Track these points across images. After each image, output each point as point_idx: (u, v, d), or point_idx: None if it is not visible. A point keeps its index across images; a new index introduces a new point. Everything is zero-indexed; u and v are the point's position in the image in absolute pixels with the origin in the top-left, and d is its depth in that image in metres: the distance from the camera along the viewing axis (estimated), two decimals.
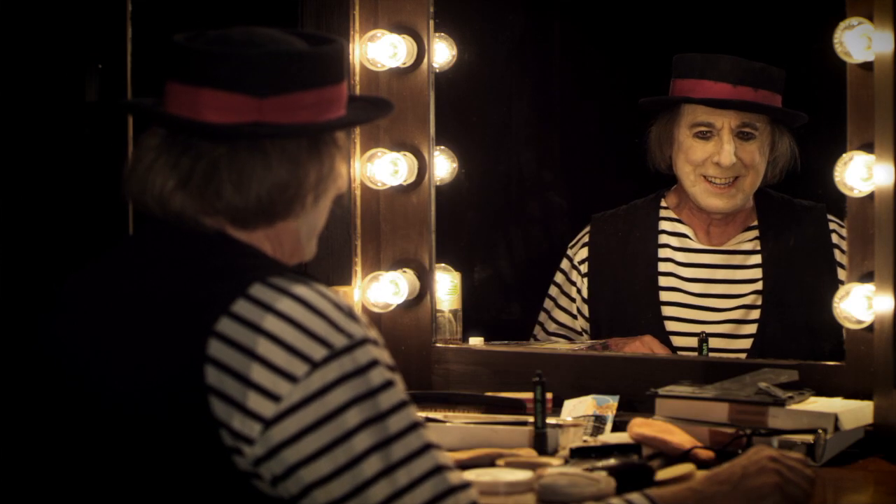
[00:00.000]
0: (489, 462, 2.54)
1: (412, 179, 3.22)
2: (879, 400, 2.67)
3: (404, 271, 3.22)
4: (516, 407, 2.84)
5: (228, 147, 1.92)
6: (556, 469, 2.44)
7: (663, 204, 3.33)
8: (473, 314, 3.33)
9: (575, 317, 3.34)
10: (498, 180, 3.67)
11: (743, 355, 3.16)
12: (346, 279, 3.21)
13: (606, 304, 3.30)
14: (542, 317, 3.38)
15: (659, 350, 3.16)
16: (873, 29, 2.69)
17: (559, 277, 3.37)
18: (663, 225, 3.31)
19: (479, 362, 3.18)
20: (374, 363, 1.85)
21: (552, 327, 3.36)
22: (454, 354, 3.21)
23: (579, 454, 2.54)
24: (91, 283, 1.99)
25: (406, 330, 3.24)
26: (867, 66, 2.73)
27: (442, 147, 3.31)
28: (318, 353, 1.82)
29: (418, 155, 3.22)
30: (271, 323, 1.83)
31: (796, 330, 3.16)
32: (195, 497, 1.86)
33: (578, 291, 3.34)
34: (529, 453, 2.59)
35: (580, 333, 3.32)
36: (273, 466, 1.82)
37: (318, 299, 1.86)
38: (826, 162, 2.82)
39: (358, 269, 3.24)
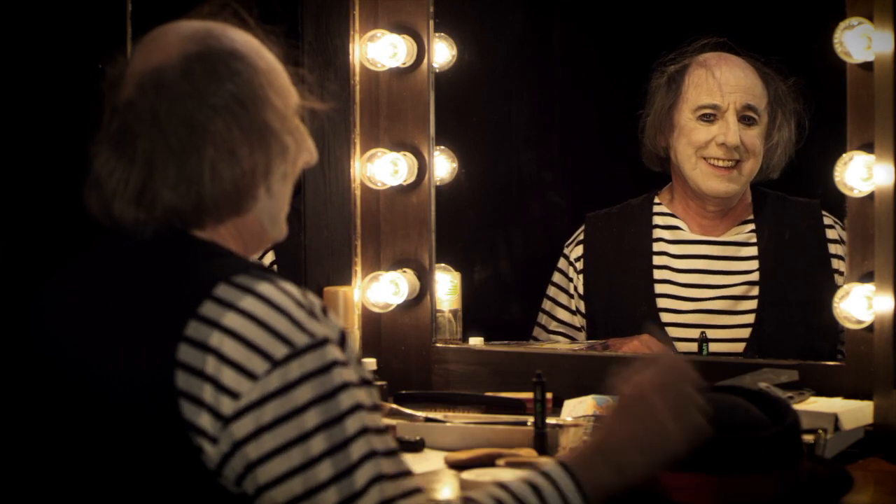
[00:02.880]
0: (489, 462, 2.54)
1: (412, 179, 3.22)
2: (879, 400, 2.67)
3: (404, 271, 3.22)
4: (516, 407, 2.84)
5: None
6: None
7: (656, 200, 3.33)
8: (473, 314, 3.33)
9: (574, 313, 3.34)
10: (498, 180, 3.66)
11: (741, 346, 3.16)
12: (346, 279, 3.21)
13: (602, 299, 3.31)
14: (542, 317, 3.38)
15: (658, 349, 3.16)
16: (873, 29, 2.69)
17: (557, 277, 3.38)
18: (657, 220, 3.31)
19: (479, 362, 3.18)
20: (333, 364, 1.84)
21: (553, 325, 3.36)
22: (454, 354, 3.21)
23: None
24: (67, 286, 2.00)
25: (406, 330, 3.24)
26: (867, 66, 2.73)
27: (442, 147, 3.31)
28: (279, 351, 1.82)
29: (418, 155, 3.22)
30: (233, 320, 1.83)
31: (792, 319, 3.17)
32: (167, 496, 1.86)
33: (575, 288, 3.34)
34: (529, 453, 2.59)
35: (580, 330, 3.32)
36: (235, 464, 1.82)
37: (282, 297, 1.85)
38: (826, 162, 2.82)
39: (358, 269, 3.24)
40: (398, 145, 3.23)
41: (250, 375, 1.81)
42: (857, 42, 2.74)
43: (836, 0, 2.80)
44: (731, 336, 3.18)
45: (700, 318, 3.20)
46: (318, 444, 1.81)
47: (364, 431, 1.84)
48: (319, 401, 1.82)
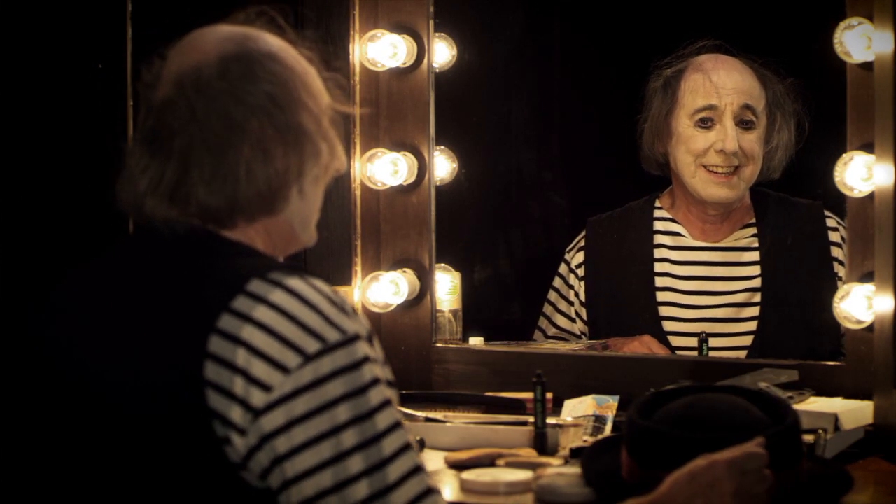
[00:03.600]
0: (489, 462, 2.55)
1: (412, 179, 3.22)
2: (879, 400, 2.67)
3: (404, 271, 3.22)
4: (516, 407, 2.84)
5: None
6: (555, 469, 2.44)
7: (657, 204, 3.32)
8: (473, 314, 3.33)
9: (574, 320, 3.33)
10: (498, 180, 3.66)
11: (743, 353, 3.16)
12: (346, 279, 3.21)
13: (604, 306, 3.30)
14: (543, 322, 3.37)
15: (658, 350, 3.16)
16: (873, 29, 2.69)
17: (557, 282, 3.37)
18: (658, 225, 3.30)
19: (479, 362, 3.18)
20: (365, 360, 1.87)
21: (552, 332, 3.35)
22: (454, 354, 3.21)
23: (579, 454, 2.54)
24: (88, 285, 2.01)
25: (406, 330, 3.24)
26: (867, 66, 2.73)
27: (442, 147, 3.31)
28: (311, 346, 1.84)
29: (418, 155, 3.22)
30: (265, 314, 1.85)
31: (795, 326, 3.16)
32: (187, 489, 1.87)
33: (576, 295, 3.33)
34: (529, 453, 2.59)
35: (579, 337, 3.31)
36: (261, 458, 1.84)
37: (312, 293, 1.88)
38: (826, 162, 2.82)
39: (358, 269, 3.24)
40: (398, 145, 3.23)
41: (283, 369, 1.83)
42: (857, 42, 2.74)
43: (836, 0, 2.80)
44: (733, 344, 3.17)
45: (702, 325, 3.19)
46: (349, 438, 1.83)
47: (396, 426, 1.87)
48: (350, 396, 1.84)
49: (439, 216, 3.25)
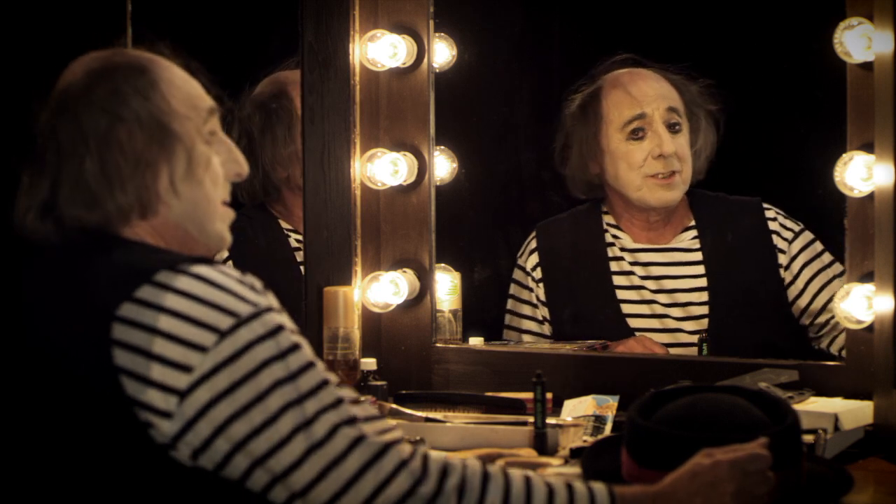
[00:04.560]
0: (489, 462, 2.54)
1: (412, 179, 3.22)
2: (879, 400, 2.67)
3: (404, 271, 3.22)
4: (516, 407, 2.84)
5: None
6: (555, 469, 2.44)
7: (604, 209, 3.32)
8: (473, 314, 3.33)
9: (542, 322, 3.32)
10: (498, 180, 3.66)
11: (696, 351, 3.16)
12: (346, 279, 3.21)
13: (566, 305, 3.30)
14: (509, 334, 3.36)
15: (655, 348, 3.16)
16: (873, 29, 2.69)
17: (514, 288, 3.36)
18: (607, 228, 3.30)
19: (479, 362, 3.18)
20: (280, 328, 1.91)
21: (525, 338, 3.34)
22: (454, 354, 3.21)
23: (579, 454, 2.54)
24: (32, 277, 2.06)
25: (406, 330, 3.24)
26: (867, 66, 2.73)
27: (442, 147, 3.31)
28: (224, 322, 1.89)
29: (418, 155, 3.22)
30: (173, 300, 1.90)
31: (746, 322, 3.17)
32: (119, 474, 1.91)
33: (538, 297, 3.33)
34: (529, 453, 2.59)
35: (549, 338, 3.31)
36: (192, 439, 1.87)
37: (219, 276, 1.93)
38: (826, 162, 2.81)
39: (358, 269, 3.24)
40: (398, 145, 3.23)
41: (200, 348, 1.87)
42: (857, 42, 2.74)
43: (836, 0, 2.80)
44: (690, 341, 3.18)
45: (662, 323, 3.20)
46: (275, 400, 1.87)
47: (322, 385, 1.90)
48: (271, 361, 1.88)
49: (439, 216, 3.25)
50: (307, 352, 1.93)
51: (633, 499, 2.00)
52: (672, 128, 3.21)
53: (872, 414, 2.67)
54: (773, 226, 3.19)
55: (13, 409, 1.99)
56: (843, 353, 2.86)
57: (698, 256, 3.24)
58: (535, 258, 3.34)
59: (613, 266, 3.27)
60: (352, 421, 1.90)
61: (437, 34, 3.27)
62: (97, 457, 1.91)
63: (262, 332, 1.89)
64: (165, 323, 1.88)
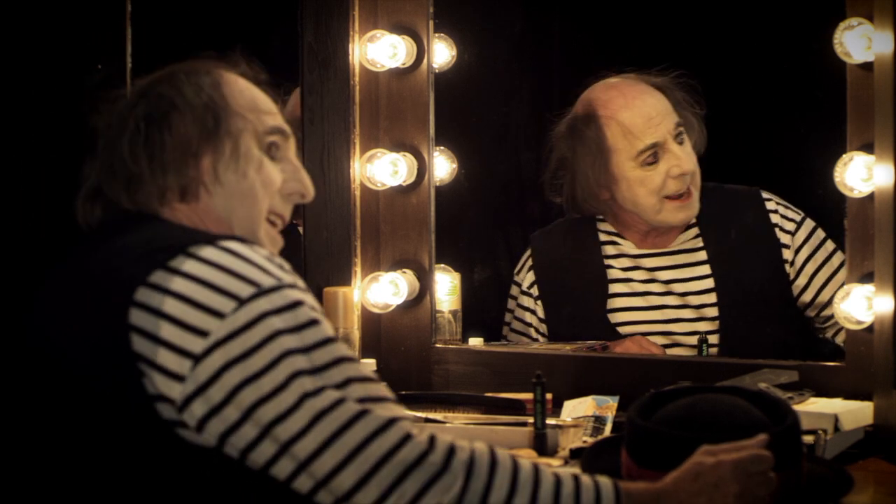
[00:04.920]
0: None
1: (412, 180, 3.22)
2: (879, 400, 2.67)
3: (404, 272, 3.22)
4: (516, 407, 2.84)
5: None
6: (555, 470, 2.44)
7: (598, 216, 3.28)
8: (473, 315, 3.33)
9: (536, 339, 3.31)
10: (498, 180, 3.66)
11: (714, 350, 3.14)
12: (345, 280, 3.21)
13: (563, 322, 3.27)
14: (511, 337, 3.35)
15: (651, 348, 3.16)
16: (873, 29, 2.69)
17: (511, 304, 3.35)
18: (604, 237, 3.27)
19: (479, 363, 3.18)
20: (299, 303, 1.92)
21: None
22: (454, 355, 3.21)
23: (579, 455, 2.53)
24: (59, 271, 2.09)
25: (406, 330, 3.23)
26: (867, 67, 2.73)
27: (441, 147, 3.31)
28: (245, 291, 1.90)
29: (418, 155, 3.22)
30: (194, 267, 1.92)
31: (756, 319, 3.14)
32: (122, 450, 1.91)
33: (534, 314, 3.31)
34: (529, 454, 2.59)
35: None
36: (199, 406, 1.88)
37: (248, 251, 1.95)
38: (826, 162, 2.81)
39: (357, 269, 3.24)
40: (398, 146, 3.23)
41: (218, 314, 1.89)
42: (857, 42, 2.74)
43: (836, 0, 2.80)
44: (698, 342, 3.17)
45: (666, 329, 3.18)
46: (284, 369, 1.87)
47: (338, 361, 1.91)
48: (286, 332, 1.89)
49: (439, 216, 3.25)
50: (325, 328, 1.93)
51: (637, 495, 2.01)
52: (679, 139, 3.15)
53: (872, 414, 2.67)
54: (774, 218, 3.16)
55: (25, 400, 2.01)
56: (844, 353, 2.86)
57: (703, 256, 3.21)
58: (531, 276, 3.32)
59: (612, 274, 3.25)
60: (363, 399, 1.90)
61: (436, 34, 3.27)
62: (107, 434, 1.92)
63: (280, 304, 1.90)
64: (186, 288, 1.90)
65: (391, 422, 1.90)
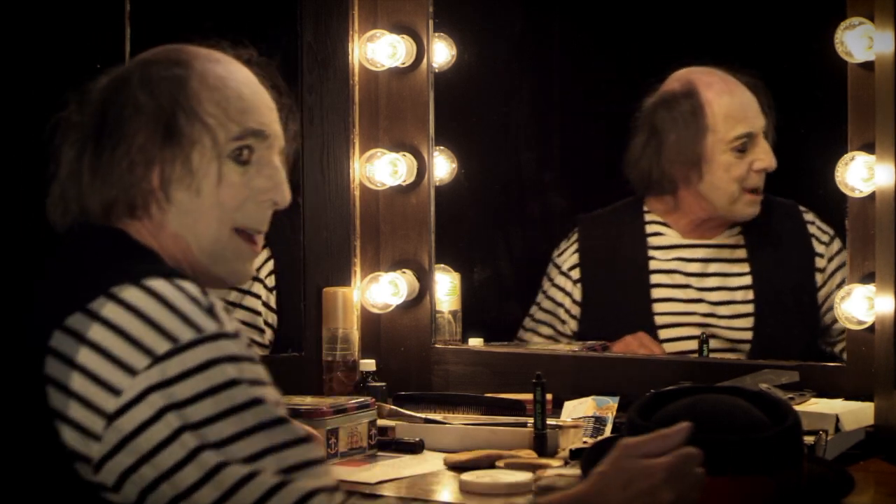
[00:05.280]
0: (489, 463, 2.54)
1: (411, 180, 3.22)
2: (880, 401, 2.66)
3: (403, 272, 3.22)
4: (516, 408, 2.84)
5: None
6: (555, 471, 2.44)
7: (646, 208, 3.30)
8: (473, 315, 3.32)
9: (564, 322, 3.31)
10: (498, 180, 3.66)
11: (746, 346, 3.15)
12: (345, 280, 3.21)
13: (599, 306, 3.28)
14: (529, 322, 3.35)
15: (652, 345, 3.16)
16: (874, 29, 2.69)
17: (546, 285, 3.35)
18: (650, 228, 3.28)
19: (479, 363, 3.18)
20: (216, 361, 1.78)
21: (544, 330, 3.33)
22: (454, 355, 3.21)
23: (579, 455, 2.53)
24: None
25: (405, 331, 3.23)
26: (868, 66, 2.73)
27: (441, 147, 3.31)
28: (160, 347, 1.77)
29: (418, 155, 3.21)
30: (113, 312, 1.79)
31: (790, 323, 3.16)
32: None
33: (568, 295, 3.31)
34: (529, 455, 2.59)
35: (570, 337, 3.30)
36: (113, 467, 1.76)
37: (174, 294, 1.80)
38: (826, 162, 2.81)
39: (357, 269, 3.23)
40: (397, 146, 3.22)
41: (130, 371, 1.76)
42: (857, 42, 2.74)
43: (836, 0, 2.80)
44: (734, 337, 3.17)
45: (701, 322, 3.18)
46: (184, 445, 1.75)
47: (247, 433, 1.77)
48: (201, 397, 1.76)
49: (439, 216, 3.25)
50: (245, 391, 1.78)
51: None
52: (766, 137, 3.17)
53: (873, 415, 2.67)
54: (811, 229, 3.19)
55: None
56: (844, 354, 2.86)
57: (742, 254, 3.22)
58: (574, 258, 3.32)
59: (654, 265, 3.25)
60: (284, 470, 1.77)
61: (436, 34, 3.27)
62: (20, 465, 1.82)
63: (194, 364, 1.77)
64: (100, 336, 1.78)
65: (310, 495, 1.76)
